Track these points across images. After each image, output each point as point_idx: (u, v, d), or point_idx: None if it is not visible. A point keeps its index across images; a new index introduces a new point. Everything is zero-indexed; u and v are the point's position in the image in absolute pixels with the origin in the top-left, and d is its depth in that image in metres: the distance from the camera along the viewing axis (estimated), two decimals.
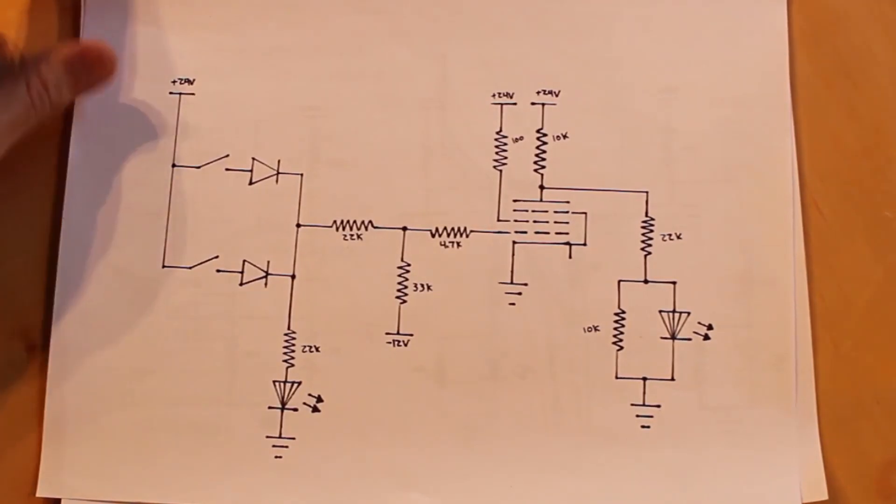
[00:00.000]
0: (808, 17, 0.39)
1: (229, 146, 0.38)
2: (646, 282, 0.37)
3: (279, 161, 0.38)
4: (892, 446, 0.37)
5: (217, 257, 0.38)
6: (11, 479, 0.37)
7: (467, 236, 0.38)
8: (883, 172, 0.38)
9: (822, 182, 0.38)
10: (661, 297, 0.37)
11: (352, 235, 0.38)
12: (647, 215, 0.38)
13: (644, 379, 0.37)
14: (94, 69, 0.36)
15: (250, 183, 0.38)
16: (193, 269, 0.38)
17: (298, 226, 0.38)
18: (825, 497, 0.36)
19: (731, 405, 0.36)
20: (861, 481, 0.37)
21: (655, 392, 0.37)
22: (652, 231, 0.37)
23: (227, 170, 0.38)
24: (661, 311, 0.37)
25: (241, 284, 0.38)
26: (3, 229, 0.38)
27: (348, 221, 0.38)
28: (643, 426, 0.36)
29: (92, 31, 0.39)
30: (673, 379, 0.37)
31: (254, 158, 0.38)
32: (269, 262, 0.38)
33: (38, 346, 0.37)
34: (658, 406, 0.37)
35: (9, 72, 0.35)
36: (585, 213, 0.38)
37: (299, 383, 0.37)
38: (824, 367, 0.37)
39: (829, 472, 0.36)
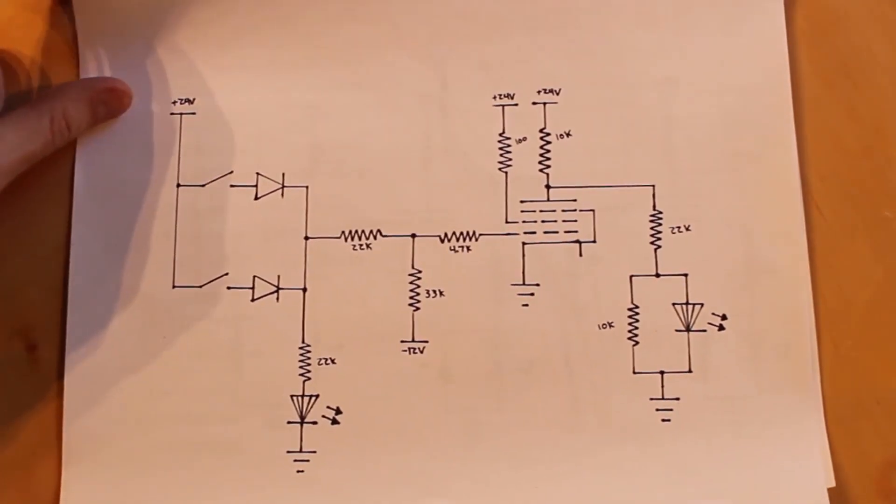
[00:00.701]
0: (808, 17, 0.39)
1: (233, 163, 0.38)
2: (657, 275, 0.37)
3: (284, 174, 0.38)
4: (892, 446, 0.37)
5: (227, 274, 0.38)
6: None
7: (476, 240, 0.38)
8: (883, 172, 0.38)
9: (822, 182, 0.38)
10: (674, 289, 0.37)
11: (361, 245, 0.38)
12: (654, 209, 0.38)
13: (662, 373, 0.37)
14: (113, 105, 0.38)
15: (256, 198, 0.38)
16: (204, 287, 0.38)
17: (307, 238, 0.38)
18: (832, 484, 0.36)
19: (749, 394, 0.37)
20: (861, 481, 0.37)
21: (674, 385, 0.37)
22: (661, 224, 0.38)
23: (231, 186, 0.38)
24: (674, 304, 0.37)
25: (252, 300, 0.38)
26: (10, 230, 0.38)
27: (356, 231, 0.38)
28: (664, 419, 0.37)
29: (89, 57, 0.38)
30: (690, 371, 0.37)
31: (258, 173, 0.38)
32: (279, 276, 0.38)
33: (37, 345, 0.38)
34: (677, 399, 0.37)
35: (32, 108, 0.35)
36: (593, 210, 0.38)
37: (317, 396, 0.37)
38: (824, 367, 0.37)
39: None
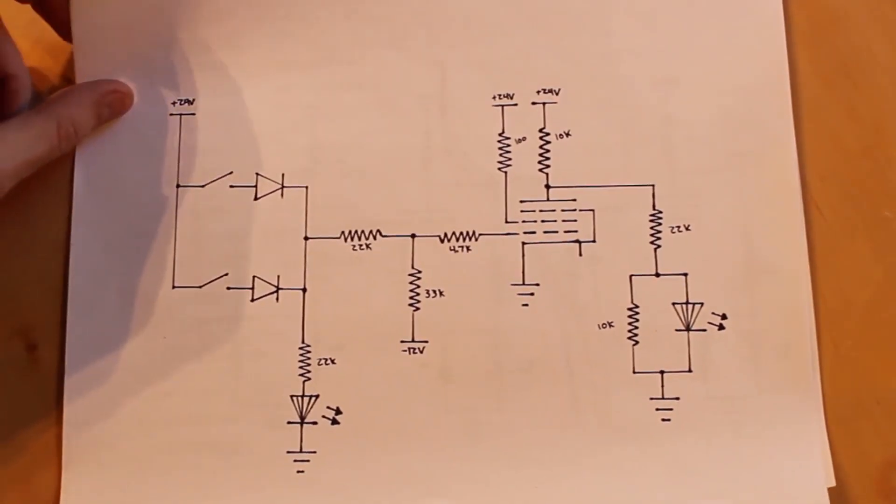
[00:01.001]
0: (808, 18, 0.39)
1: (232, 163, 0.38)
2: (657, 275, 0.37)
3: (283, 175, 0.38)
4: (892, 446, 0.37)
5: (227, 275, 0.38)
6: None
7: (476, 240, 0.38)
8: (883, 172, 0.38)
9: (822, 182, 0.38)
10: (674, 289, 0.37)
11: (360, 245, 0.38)
12: (654, 208, 0.38)
13: (662, 372, 0.37)
14: (116, 107, 0.38)
15: (255, 198, 0.38)
16: (204, 288, 0.38)
17: (306, 238, 0.38)
18: (833, 484, 0.36)
19: (749, 394, 0.37)
20: (861, 481, 0.37)
21: (674, 385, 0.37)
22: (660, 224, 0.38)
23: (231, 187, 0.38)
24: (674, 304, 0.37)
25: (252, 300, 0.38)
26: (10, 231, 0.38)
27: (356, 231, 0.38)
28: (664, 419, 0.36)
29: (84, 57, 0.38)
30: (690, 371, 0.37)
31: (258, 174, 0.38)
32: (279, 276, 0.38)
33: (37, 346, 0.38)
34: (677, 398, 0.37)
35: (38, 113, 0.36)
36: (593, 210, 0.38)
37: (317, 396, 0.37)
38: (824, 366, 0.37)
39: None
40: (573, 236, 0.38)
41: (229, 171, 0.38)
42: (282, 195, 0.38)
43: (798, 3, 0.39)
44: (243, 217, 0.38)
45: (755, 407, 0.36)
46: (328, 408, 0.37)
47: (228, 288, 0.38)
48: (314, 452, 0.37)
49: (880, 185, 0.38)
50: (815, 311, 0.37)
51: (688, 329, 0.37)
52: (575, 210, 0.38)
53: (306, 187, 0.38)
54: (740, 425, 0.36)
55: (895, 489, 0.37)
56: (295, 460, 0.37)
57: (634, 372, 0.37)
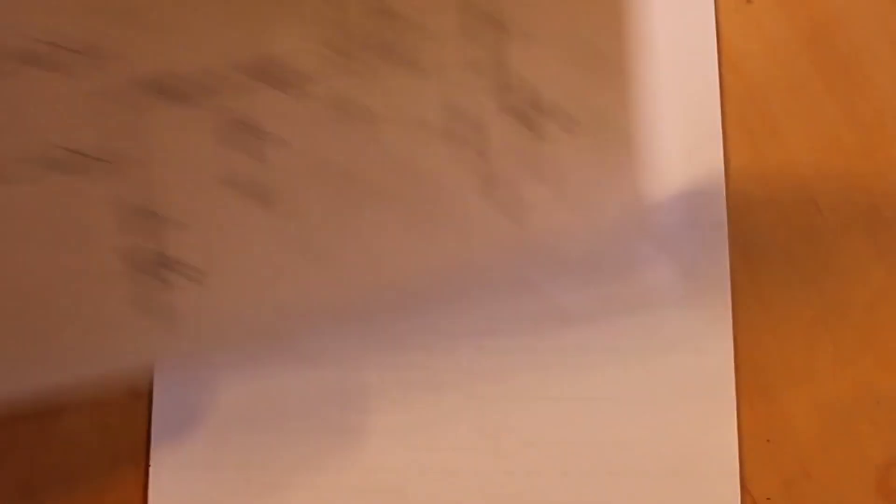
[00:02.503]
0: (808, 17, 0.39)
1: None
2: None
3: None
4: (892, 447, 0.37)
5: None
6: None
7: None
8: (883, 172, 0.38)
9: (822, 182, 0.38)
10: None
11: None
12: None
13: None
14: None
15: None
16: None
17: None
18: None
19: None
20: (861, 481, 0.37)
21: None
22: None
23: None
24: None
25: None
26: None
27: None
28: None
29: None
30: None
31: None
32: None
33: None
34: None
35: None
36: None
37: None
38: (824, 367, 0.37)
39: (829, 472, 0.37)
40: None
41: None
42: None
43: (798, 3, 0.39)
44: None
45: None
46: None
47: None
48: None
49: (880, 185, 0.38)
50: (815, 311, 0.38)
51: None
52: None
53: None
54: None
55: (895, 489, 0.37)
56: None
57: None
